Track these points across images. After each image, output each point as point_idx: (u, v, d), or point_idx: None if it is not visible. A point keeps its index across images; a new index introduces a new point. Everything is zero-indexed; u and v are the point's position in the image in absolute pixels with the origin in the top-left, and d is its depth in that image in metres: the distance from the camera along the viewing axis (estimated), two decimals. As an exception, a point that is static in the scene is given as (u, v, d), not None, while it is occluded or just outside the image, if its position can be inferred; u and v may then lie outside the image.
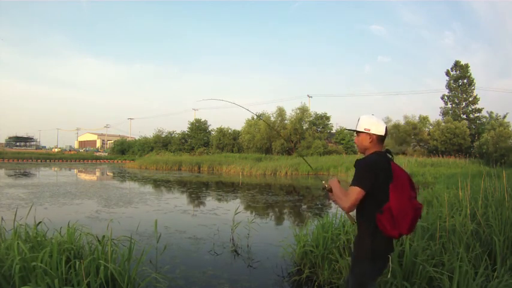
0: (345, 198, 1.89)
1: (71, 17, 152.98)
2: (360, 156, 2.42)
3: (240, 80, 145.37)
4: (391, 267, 2.03)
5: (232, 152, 39.80)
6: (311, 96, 52.05)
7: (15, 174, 20.92)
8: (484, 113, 34.43)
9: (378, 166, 1.93)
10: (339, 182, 2.08)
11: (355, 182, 1.90)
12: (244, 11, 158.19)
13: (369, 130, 2.05)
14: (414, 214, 1.90)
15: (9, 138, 78.29)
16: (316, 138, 35.23)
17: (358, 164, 1.98)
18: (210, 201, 10.83)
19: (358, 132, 2.12)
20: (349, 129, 2.39)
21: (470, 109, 34.99)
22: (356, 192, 1.87)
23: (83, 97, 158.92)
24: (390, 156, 2.05)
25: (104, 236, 3.37)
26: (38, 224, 3.63)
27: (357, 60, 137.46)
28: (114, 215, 7.66)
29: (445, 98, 36.21)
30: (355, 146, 2.20)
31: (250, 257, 4.80)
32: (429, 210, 4.81)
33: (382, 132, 2.06)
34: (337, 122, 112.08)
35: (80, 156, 48.98)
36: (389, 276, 2.12)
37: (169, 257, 4.60)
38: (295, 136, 36.67)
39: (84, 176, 21.90)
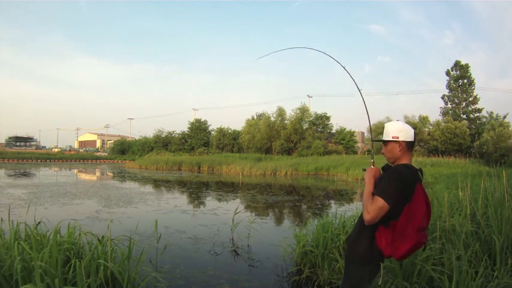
0: (369, 208, 1.80)
1: (71, 17, 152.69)
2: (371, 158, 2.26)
3: (239, 80, 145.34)
4: (381, 272, 2.01)
5: (232, 152, 39.85)
6: (311, 96, 52.20)
7: (15, 174, 20.93)
8: (484, 113, 34.52)
9: (406, 181, 1.82)
10: (375, 176, 1.95)
11: (381, 193, 1.80)
12: (244, 11, 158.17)
13: (398, 138, 1.92)
14: (414, 245, 1.80)
15: (9, 138, 78.15)
16: (316, 138, 35.24)
17: (389, 172, 1.89)
18: (210, 201, 10.83)
19: (386, 141, 1.98)
20: (376, 140, 2.25)
21: (470, 109, 34.98)
22: (379, 206, 1.77)
23: (83, 97, 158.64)
24: (421, 176, 1.91)
25: (103, 236, 3.37)
26: (37, 224, 3.64)
27: (357, 60, 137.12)
28: (114, 215, 7.66)
29: (445, 98, 36.22)
30: (385, 157, 2.04)
31: (250, 257, 4.80)
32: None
33: (411, 138, 1.93)
34: (337, 122, 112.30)
35: (80, 156, 49.01)
36: (380, 282, 2.09)
37: (169, 257, 4.60)
38: (295, 136, 36.68)
39: (84, 176, 21.91)
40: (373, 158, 2.19)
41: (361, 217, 2.04)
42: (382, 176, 1.94)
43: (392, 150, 1.96)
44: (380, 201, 1.77)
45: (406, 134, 1.93)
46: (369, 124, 2.40)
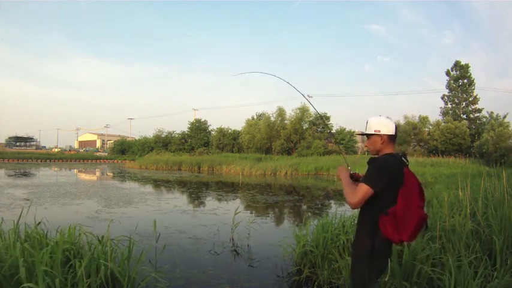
0: (353, 194, 1.90)
1: (71, 17, 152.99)
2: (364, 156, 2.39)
3: (240, 80, 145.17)
4: (389, 270, 2.02)
5: (232, 152, 39.82)
6: (311, 96, 52.05)
7: (15, 174, 20.92)
8: (484, 113, 34.53)
9: (391, 167, 1.92)
10: (350, 173, 2.10)
11: (365, 180, 1.90)
12: (244, 11, 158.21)
13: (379, 131, 2.05)
14: (418, 223, 1.87)
15: (9, 138, 78.09)
16: (316, 138, 35.24)
17: (371, 162, 1.97)
18: (210, 201, 10.83)
19: (368, 135, 2.11)
20: (359, 133, 2.37)
21: (470, 109, 34.99)
22: (364, 190, 1.87)
23: (83, 97, 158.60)
24: (406, 161, 2.01)
25: (103, 236, 3.37)
26: (38, 224, 3.64)
27: (357, 60, 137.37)
28: (114, 215, 7.66)
29: (445, 98, 36.22)
30: (368, 149, 2.17)
31: (250, 257, 4.80)
32: (429, 210, 4.81)
33: (392, 132, 2.05)
34: (337, 122, 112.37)
35: (80, 156, 48.97)
36: (387, 278, 2.10)
37: (169, 257, 4.60)
38: (295, 136, 36.68)
39: (84, 176, 21.91)
40: (346, 162, 2.32)
41: (359, 219, 2.08)
42: (367, 168, 2.01)
43: (374, 143, 2.10)
44: (364, 187, 1.88)
45: (387, 127, 2.06)
46: (327, 127, 2.52)
